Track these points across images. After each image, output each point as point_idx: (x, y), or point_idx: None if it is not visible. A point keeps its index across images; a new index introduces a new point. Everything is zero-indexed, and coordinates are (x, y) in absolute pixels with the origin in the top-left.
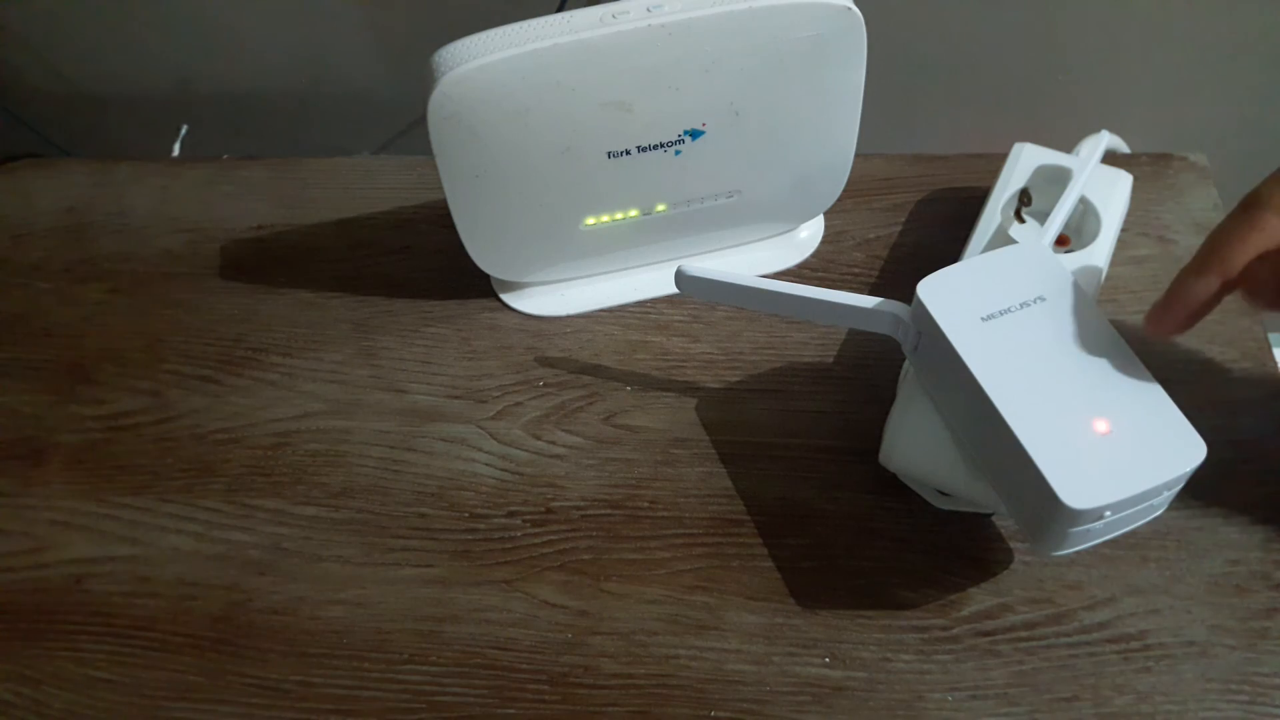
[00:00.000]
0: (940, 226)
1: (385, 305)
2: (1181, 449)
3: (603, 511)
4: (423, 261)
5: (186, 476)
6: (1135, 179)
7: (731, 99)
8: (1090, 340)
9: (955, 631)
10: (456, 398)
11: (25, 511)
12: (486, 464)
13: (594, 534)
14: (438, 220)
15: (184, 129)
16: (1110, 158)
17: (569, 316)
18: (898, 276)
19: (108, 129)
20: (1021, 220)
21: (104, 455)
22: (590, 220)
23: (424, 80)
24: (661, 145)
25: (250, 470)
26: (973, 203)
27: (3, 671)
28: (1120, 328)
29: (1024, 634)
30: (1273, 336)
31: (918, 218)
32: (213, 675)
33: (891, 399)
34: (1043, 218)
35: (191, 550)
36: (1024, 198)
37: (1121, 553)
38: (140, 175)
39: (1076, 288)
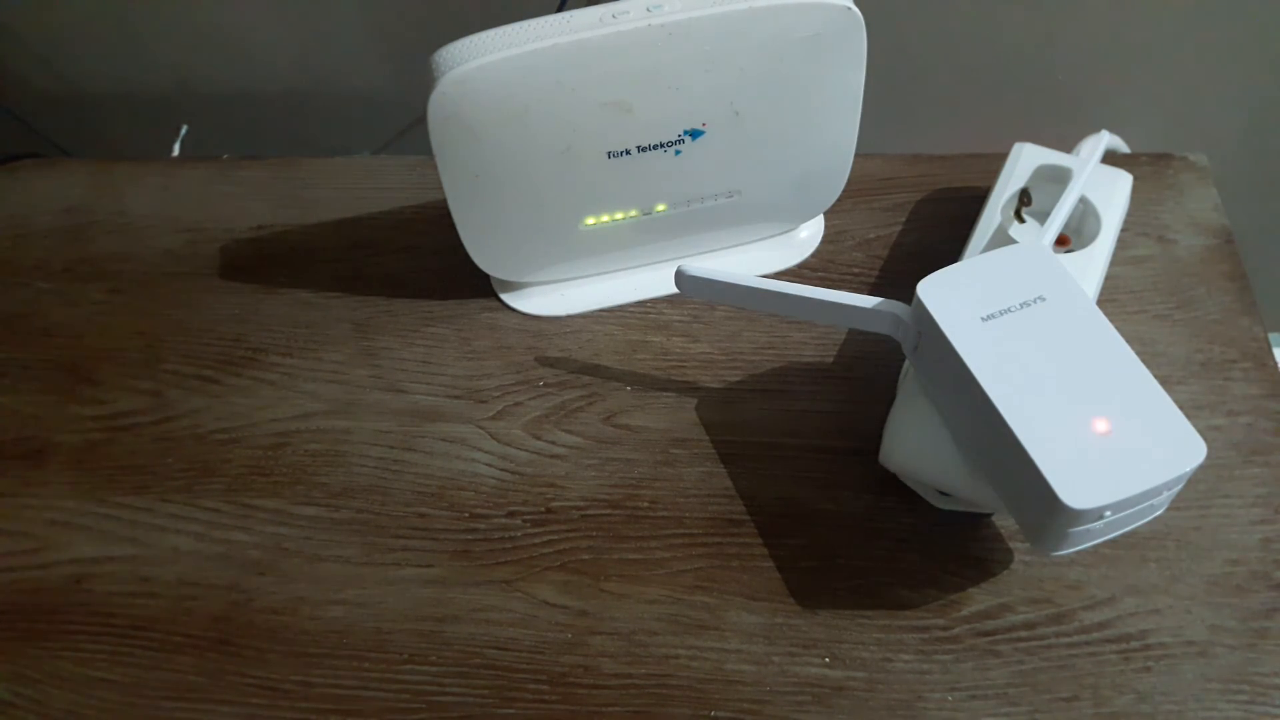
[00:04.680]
0: (940, 226)
1: (385, 305)
2: (1181, 449)
3: (603, 511)
4: (423, 261)
5: (186, 476)
6: (1135, 179)
7: (731, 99)
8: (1090, 340)
9: (955, 631)
10: (456, 398)
11: (25, 511)
12: (486, 464)
13: (594, 534)
14: (438, 220)
15: (184, 129)
16: (1110, 158)
17: (569, 316)
18: (898, 276)
19: (108, 129)
20: (1021, 220)
21: (104, 455)
22: (590, 220)
23: (424, 80)
24: (661, 145)
25: (250, 470)
26: (973, 203)
27: (3, 671)
28: (1120, 328)
29: (1024, 634)
30: (1273, 336)
31: (918, 218)
32: (213, 675)
33: (891, 399)
34: (1043, 218)
35: (191, 550)
36: (1024, 198)
37: (1121, 553)
38: (140, 175)
39: (1076, 288)
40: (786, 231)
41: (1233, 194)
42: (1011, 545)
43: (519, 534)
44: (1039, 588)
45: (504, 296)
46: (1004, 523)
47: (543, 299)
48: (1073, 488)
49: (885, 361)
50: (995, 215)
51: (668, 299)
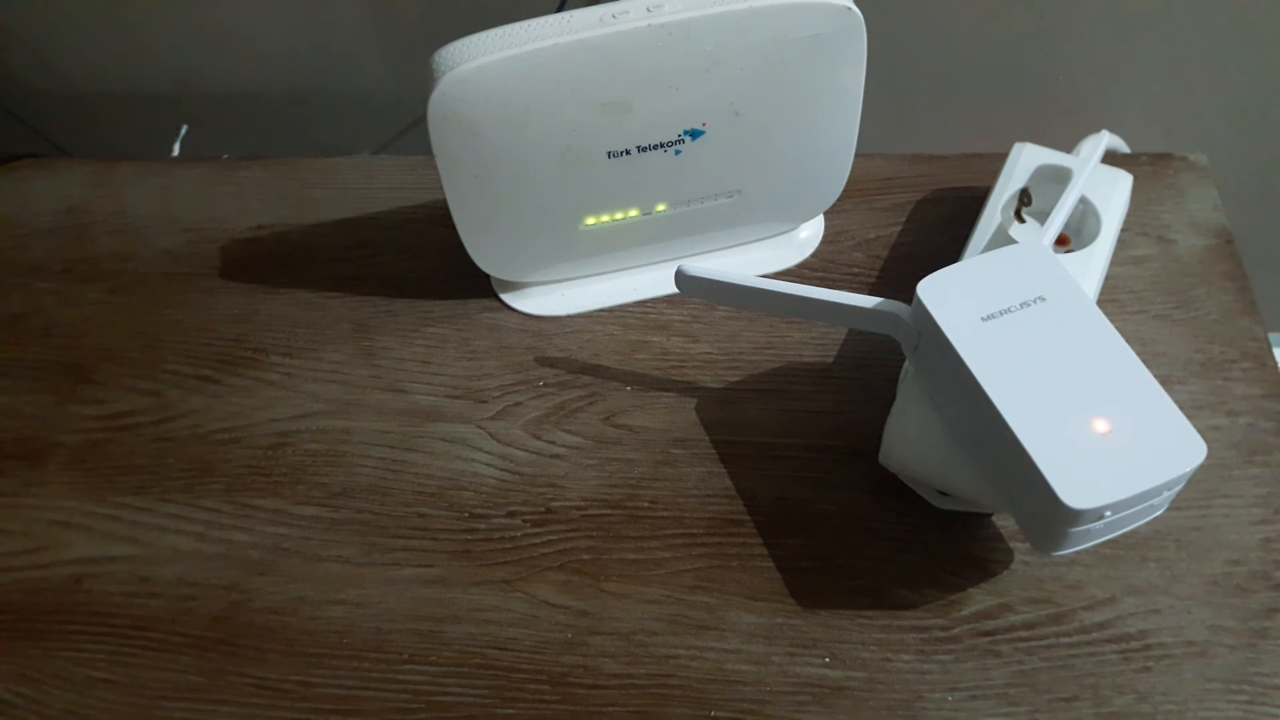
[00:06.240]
0: (940, 226)
1: (385, 305)
2: (1181, 449)
3: (603, 511)
4: (423, 261)
5: (186, 476)
6: (1135, 179)
7: (731, 99)
8: (1090, 340)
9: (955, 631)
10: (456, 398)
11: (25, 511)
12: (486, 464)
13: (594, 534)
14: (438, 220)
15: (184, 129)
16: (1110, 158)
17: (569, 316)
18: (898, 276)
19: (108, 129)
20: (1021, 220)
21: (104, 455)
22: (590, 220)
23: (424, 80)
24: (661, 145)
25: (250, 470)
26: (973, 203)
27: (3, 671)
28: (1120, 328)
29: (1024, 634)
30: (1273, 336)
31: (918, 218)
32: (213, 675)
33: (891, 399)
34: (1043, 218)
35: (191, 550)
36: (1024, 198)
37: (1121, 553)
38: (140, 175)
39: (1076, 288)
40: (786, 231)
41: (1233, 194)
42: (1011, 545)
43: (519, 534)
44: (1039, 588)
45: (504, 296)
46: (1004, 523)
47: (543, 299)
48: (1073, 488)
49: (885, 361)
50: (995, 215)
51: (668, 299)
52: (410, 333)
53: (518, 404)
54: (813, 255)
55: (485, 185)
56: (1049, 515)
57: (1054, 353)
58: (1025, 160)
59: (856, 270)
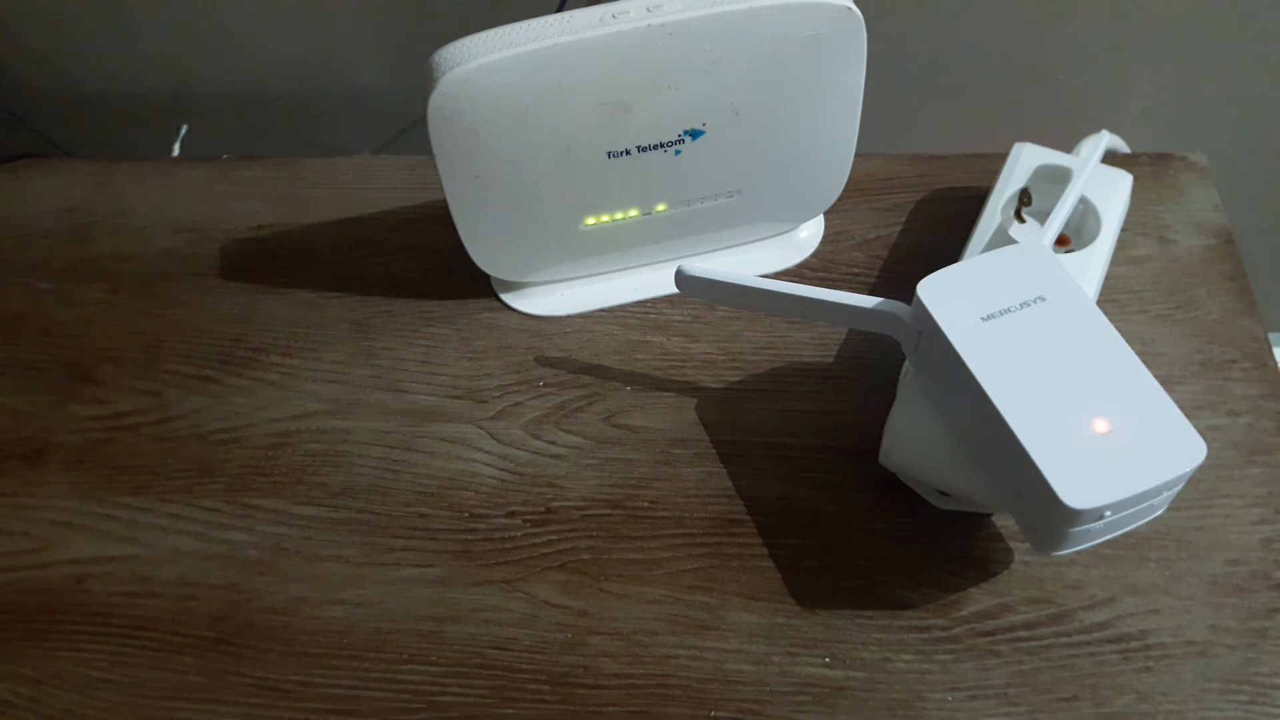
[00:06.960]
0: (940, 226)
1: (385, 305)
2: (1181, 449)
3: (603, 511)
4: (423, 261)
5: (186, 476)
6: (1135, 179)
7: (731, 99)
8: (1090, 340)
9: (955, 631)
10: (456, 398)
11: (25, 511)
12: (486, 464)
13: (594, 534)
14: (438, 220)
15: (184, 129)
16: (1110, 158)
17: (569, 316)
18: (898, 276)
19: (108, 129)
20: (1021, 220)
21: (104, 455)
22: (590, 220)
23: (424, 80)
24: (661, 145)
25: (250, 470)
26: (973, 203)
27: (3, 671)
28: (1120, 328)
29: (1024, 634)
30: (1273, 336)
31: (918, 218)
32: (213, 675)
33: (891, 399)
34: (1043, 218)
35: (191, 550)
36: (1024, 198)
37: (1121, 553)
38: (140, 175)
39: (1076, 288)
40: (786, 231)
41: (1233, 194)
42: (1011, 545)
43: (519, 534)
44: (1039, 588)
45: (504, 296)
46: (1004, 523)
47: (543, 299)
48: (1073, 488)
49: (885, 361)
50: (995, 215)
51: (668, 299)
52: (410, 333)
53: (518, 404)
54: (813, 255)
55: (485, 185)
56: (1049, 515)
57: (1054, 353)
58: (1025, 160)
59: (856, 270)
